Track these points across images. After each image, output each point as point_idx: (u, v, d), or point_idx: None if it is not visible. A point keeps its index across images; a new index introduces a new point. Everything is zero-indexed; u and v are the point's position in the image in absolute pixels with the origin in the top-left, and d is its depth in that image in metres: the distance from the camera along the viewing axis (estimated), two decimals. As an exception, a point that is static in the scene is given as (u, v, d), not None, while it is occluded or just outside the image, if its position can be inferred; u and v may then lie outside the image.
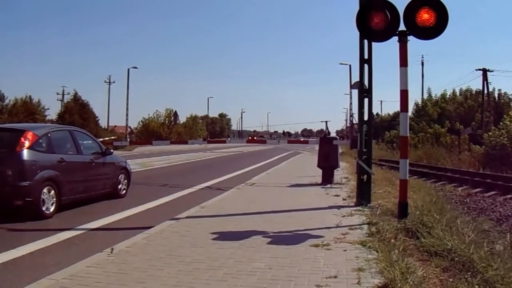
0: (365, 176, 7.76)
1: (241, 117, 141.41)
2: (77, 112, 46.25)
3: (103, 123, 59.72)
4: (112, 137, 44.67)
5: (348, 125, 63.75)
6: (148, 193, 10.08)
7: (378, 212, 6.59)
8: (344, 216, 6.62)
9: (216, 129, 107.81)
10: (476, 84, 49.46)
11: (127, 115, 49.22)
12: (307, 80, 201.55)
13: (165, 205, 8.75)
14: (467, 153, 25.28)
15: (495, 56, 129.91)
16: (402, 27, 5.93)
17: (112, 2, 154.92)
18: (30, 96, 46.62)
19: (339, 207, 7.58)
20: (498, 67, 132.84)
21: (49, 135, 7.70)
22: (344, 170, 14.83)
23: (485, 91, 36.71)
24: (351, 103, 47.73)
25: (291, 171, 16.17)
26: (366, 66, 7.81)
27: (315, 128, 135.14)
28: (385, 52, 34.37)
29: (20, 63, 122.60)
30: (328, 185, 10.85)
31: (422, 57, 51.70)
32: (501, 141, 21.66)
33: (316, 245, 4.89)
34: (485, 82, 36.09)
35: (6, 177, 6.78)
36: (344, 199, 8.48)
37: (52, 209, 7.17)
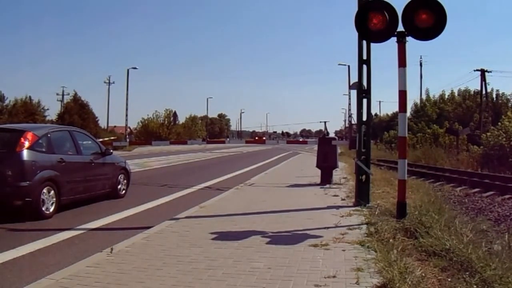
0: (363, 176, 7.77)
1: (240, 118, 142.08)
2: (76, 113, 46.28)
3: (102, 123, 59.89)
4: (112, 137, 44.68)
5: (347, 125, 63.87)
6: (147, 193, 10.09)
7: (376, 212, 6.60)
8: (342, 216, 6.64)
9: (215, 129, 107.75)
10: (474, 85, 49.41)
11: (126, 115, 49.26)
12: (306, 81, 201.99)
13: (164, 205, 8.76)
14: (466, 153, 25.31)
15: (494, 57, 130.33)
16: (400, 27, 5.96)
17: (112, 2, 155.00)
18: (30, 97, 46.85)
19: (337, 207, 7.60)
20: (496, 67, 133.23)
21: (49, 135, 7.71)
22: (343, 170, 14.85)
23: (483, 92, 36.79)
24: (350, 104, 47.95)
25: (290, 171, 16.18)
26: (364, 66, 7.83)
27: (314, 128, 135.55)
28: (384, 52, 34.54)
29: (20, 63, 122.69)
30: (327, 185, 10.87)
31: (421, 57, 51.79)
32: (499, 142, 21.68)
33: (315, 245, 4.90)
34: (483, 83, 36.22)
35: (6, 177, 6.79)
36: (343, 199, 8.49)
37: (51, 209, 7.18)
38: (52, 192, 7.23)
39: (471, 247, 4.54)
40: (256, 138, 76.63)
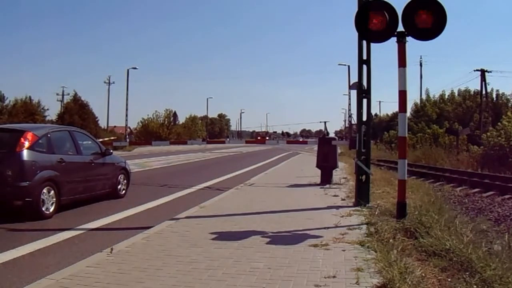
0: (363, 176, 7.77)
1: (240, 118, 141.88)
2: (76, 113, 46.27)
3: (102, 123, 59.89)
4: (112, 138, 44.64)
5: (347, 125, 63.83)
6: (147, 193, 10.09)
7: (376, 212, 6.60)
8: (342, 216, 6.64)
9: (215, 129, 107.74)
10: (474, 85, 49.34)
11: (126, 115, 49.11)
12: (306, 81, 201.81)
13: (164, 205, 8.76)
14: (466, 153, 25.35)
15: (494, 57, 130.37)
16: (400, 28, 5.96)
17: (111, 2, 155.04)
18: (30, 97, 46.82)
19: (337, 207, 7.60)
20: (496, 67, 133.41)
21: (48, 135, 7.70)
22: (343, 171, 14.85)
23: (483, 92, 36.76)
24: (350, 104, 47.80)
25: (290, 171, 16.18)
26: (364, 66, 7.83)
27: (314, 128, 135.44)
28: (384, 52, 34.52)
29: (20, 63, 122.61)
30: (327, 185, 10.87)
31: (421, 58, 51.78)
32: (499, 142, 21.71)
33: (315, 245, 4.90)
34: (483, 83, 36.17)
35: (6, 177, 6.78)
36: (342, 199, 8.50)
37: (51, 209, 7.18)
38: (52, 192, 7.23)
39: (471, 247, 4.54)
40: (258, 138, 76.42)
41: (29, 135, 7.21)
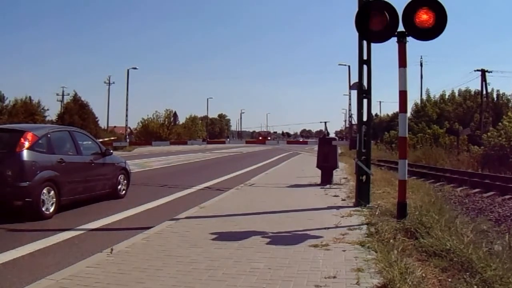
0: (364, 177, 7.77)
1: (240, 118, 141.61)
2: (76, 113, 46.27)
3: (102, 123, 59.85)
4: (112, 138, 44.56)
5: (347, 125, 63.80)
6: (147, 194, 10.09)
7: (377, 213, 6.60)
8: (343, 216, 6.64)
9: (215, 129, 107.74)
10: (474, 85, 49.39)
11: (126, 115, 49.20)
12: (306, 81, 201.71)
13: (164, 205, 8.76)
14: (466, 153, 25.34)
15: (494, 57, 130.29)
16: (401, 28, 5.95)
17: (111, 2, 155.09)
18: (30, 97, 46.82)
19: (338, 207, 7.60)
20: (496, 67, 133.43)
21: (48, 135, 7.70)
22: (343, 171, 14.85)
23: (484, 92, 36.75)
24: (350, 104, 47.74)
25: (290, 171, 16.18)
26: (365, 66, 7.83)
27: (314, 128, 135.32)
28: (384, 53, 34.54)
29: (20, 63, 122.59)
30: (327, 186, 10.87)
31: (421, 58, 51.77)
32: (499, 142, 21.70)
33: (315, 245, 4.90)
34: (483, 83, 36.15)
35: (6, 178, 6.78)
36: (343, 200, 8.49)
37: (51, 209, 7.17)
38: (52, 192, 7.22)
39: (472, 247, 4.53)
40: (260, 137, 76.48)
41: (29, 135, 7.20)
